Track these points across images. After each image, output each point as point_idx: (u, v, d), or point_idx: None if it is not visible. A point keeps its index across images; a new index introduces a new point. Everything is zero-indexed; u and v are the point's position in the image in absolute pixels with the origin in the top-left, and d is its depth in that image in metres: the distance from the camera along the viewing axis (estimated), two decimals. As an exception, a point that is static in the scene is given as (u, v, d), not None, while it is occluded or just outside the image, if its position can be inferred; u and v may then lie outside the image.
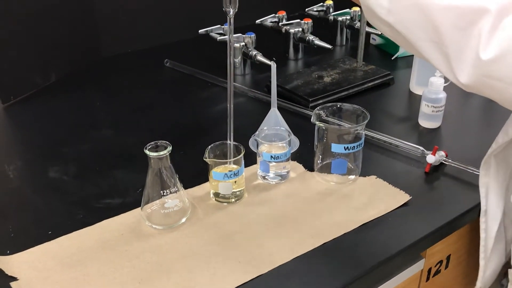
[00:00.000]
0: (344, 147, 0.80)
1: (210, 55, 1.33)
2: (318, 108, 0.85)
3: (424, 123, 1.01)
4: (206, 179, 0.82)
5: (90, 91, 1.20)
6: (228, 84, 0.74)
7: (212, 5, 1.30)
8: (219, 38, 1.22)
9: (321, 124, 0.81)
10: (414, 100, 1.12)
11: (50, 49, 1.19)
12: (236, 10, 0.68)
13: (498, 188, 0.74)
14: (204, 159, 0.77)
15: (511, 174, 0.74)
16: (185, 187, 0.78)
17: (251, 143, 0.94)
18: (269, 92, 1.13)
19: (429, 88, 0.98)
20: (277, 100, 0.94)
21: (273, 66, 0.90)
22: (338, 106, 0.87)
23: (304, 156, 0.91)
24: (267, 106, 0.95)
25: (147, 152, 0.70)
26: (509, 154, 0.72)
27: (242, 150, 0.77)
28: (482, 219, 0.76)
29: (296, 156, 0.90)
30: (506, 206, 0.75)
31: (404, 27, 0.56)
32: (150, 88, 1.22)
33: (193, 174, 0.84)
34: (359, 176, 0.85)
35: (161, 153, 0.70)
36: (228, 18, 0.69)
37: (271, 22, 1.39)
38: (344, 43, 1.46)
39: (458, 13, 0.52)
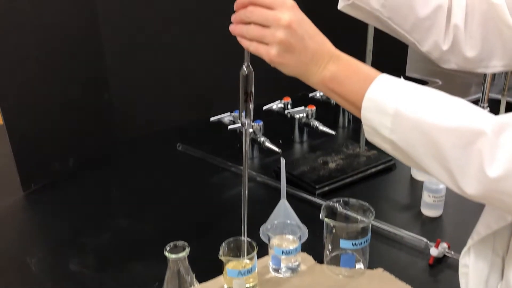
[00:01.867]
0: (352, 243, 0.84)
1: (221, 139, 1.40)
2: (325, 203, 0.90)
3: (426, 211, 1.06)
4: (219, 272, 0.85)
5: (106, 176, 1.26)
6: (243, 200, 0.79)
7: (221, 89, 1.39)
8: (230, 127, 1.30)
9: (330, 221, 0.86)
10: (415, 186, 1.17)
11: (68, 136, 1.26)
12: (251, 122, 0.75)
13: (477, 281, 0.72)
14: (219, 257, 0.81)
15: (491, 266, 0.72)
16: (200, 281, 0.81)
17: (262, 233, 0.98)
18: (277, 177, 1.19)
19: (429, 179, 1.04)
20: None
21: (282, 161, 0.96)
22: (345, 200, 0.92)
23: (313, 245, 0.95)
24: (276, 192, 1.00)
25: (166, 254, 0.75)
26: (488, 244, 0.72)
27: (255, 247, 0.82)
28: None
29: (305, 247, 0.94)
30: None
31: (406, 145, 0.62)
32: (164, 173, 1.28)
33: (207, 266, 0.87)
34: (367, 268, 0.89)
35: (180, 255, 0.75)
36: (244, 130, 0.75)
37: (277, 107, 1.47)
38: (346, 125, 1.54)
39: (456, 134, 0.57)
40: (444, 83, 2.02)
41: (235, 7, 0.69)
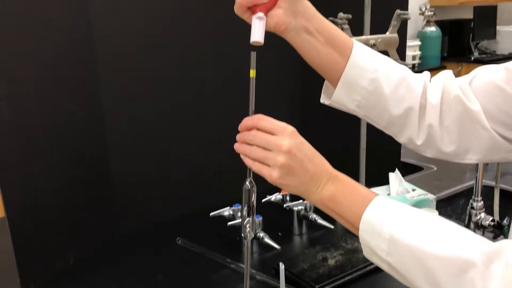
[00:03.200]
0: None
1: (221, 233, 1.41)
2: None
3: (427, 313, 1.05)
4: None
5: (106, 274, 1.25)
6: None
7: (221, 181, 1.41)
8: (229, 223, 1.32)
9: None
10: (415, 285, 1.17)
11: (69, 233, 1.27)
12: (253, 236, 0.77)
13: None
14: None
15: None
16: None
17: None
18: (276, 274, 1.19)
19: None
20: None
21: (281, 267, 0.97)
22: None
23: None
24: (276, 292, 1.00)
25: None
26: None
27: None
28: None
29: None
30: None
31: (402, 268, 0.64)
32: (163, 270, 1.27)
33: None
34: None
35: None
36: (245, 242, 0.77)
37: (276, 199, 1.50)
38: (345, 216, 1.56)
39: (449, 262, 0.60)
40: (438, 168, 2.06)
41: (239, 128, 0.73)
